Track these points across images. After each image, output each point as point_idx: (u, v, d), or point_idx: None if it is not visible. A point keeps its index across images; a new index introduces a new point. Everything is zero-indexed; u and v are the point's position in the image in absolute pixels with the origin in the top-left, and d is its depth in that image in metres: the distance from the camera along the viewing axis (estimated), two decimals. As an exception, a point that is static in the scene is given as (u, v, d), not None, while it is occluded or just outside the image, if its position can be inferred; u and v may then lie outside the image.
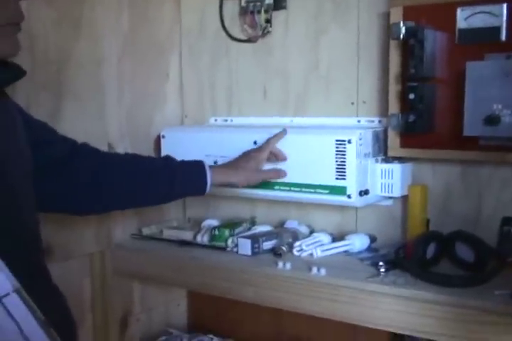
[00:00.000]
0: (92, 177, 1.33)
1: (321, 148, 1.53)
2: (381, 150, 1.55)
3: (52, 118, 1.53)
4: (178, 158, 1.48)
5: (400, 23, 1.40)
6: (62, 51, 1.62)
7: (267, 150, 1.55)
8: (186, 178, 1.43)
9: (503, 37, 1.31)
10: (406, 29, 1.39)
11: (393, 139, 1.49)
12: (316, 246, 1.58)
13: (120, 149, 1.77)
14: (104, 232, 1.78)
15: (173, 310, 2.05)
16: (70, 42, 1.64)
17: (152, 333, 1.95)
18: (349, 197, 1.50)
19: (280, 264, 1.49)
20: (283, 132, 1.57)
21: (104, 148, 1.65)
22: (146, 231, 1.86)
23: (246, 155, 1.55)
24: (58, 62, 1.62)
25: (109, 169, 1.36)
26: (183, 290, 2.07)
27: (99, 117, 1.73)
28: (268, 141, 1.57)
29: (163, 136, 1.81)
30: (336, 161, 1.50)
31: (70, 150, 1.33)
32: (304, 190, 1.57)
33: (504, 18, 1.31)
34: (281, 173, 1.57)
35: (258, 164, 1.54)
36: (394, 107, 1.47)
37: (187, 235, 1.78)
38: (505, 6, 1.30)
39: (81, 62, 1.67)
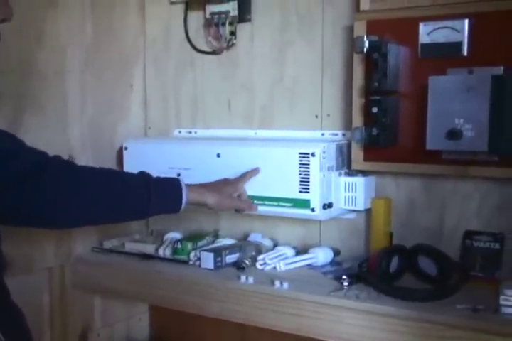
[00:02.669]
0: (62, 191, 1.27)
1: (284, 160, 1.52)
2: (345, 163, 1.55)
3: (11, 129, 1.48)
4: (141, 170, 1.45)
5: (363, 37, 1.41)
6: (23, 61, 1.60)
7: (245, 180, 1.55)
8: (162, 196, 1.38)
9: (465, 52, 1.32)
10: (369, 43, 1.40)
11: (357, 152, 1.49)
12: (280, 260, 1.57)
13: (82, 161, 1.74)
14: (64, 245, 1.74)
15: (135, 325, 2.01)
16: (32, 52, 1.62)
17: (113, 348, 1.92)
18: (313, 210, 1.50)
19: (243, 278, 1.48)
20: (257, 169, 1.56)
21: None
22: (107, 244, 1.83)
23: (224, 180, 1.55)
24: (19, 72, 1.59)
25: (81, 183, 1.30)
26: (144, 305, 2.04)
27: (60, 128, 1.71)
28: (247, 173, 1.56)
29: (126, 148, 1.79)
30: (300, 174, 1.50)
31: (38, 163, 1.27)
32: (267, 203, 1.56)
33: (466, 33, 1.32)
34: (253, 207, 1.57)
35: (234, 191, 1.54)
36: (357, 121, 1.47)
37: (149, 248, 1.75)
38: (466, 21, 1.32)
39: (43, 72, 1.65)
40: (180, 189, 1.41)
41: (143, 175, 1.41)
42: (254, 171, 1.57)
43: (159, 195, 1.37)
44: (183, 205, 1.41)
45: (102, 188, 1.32)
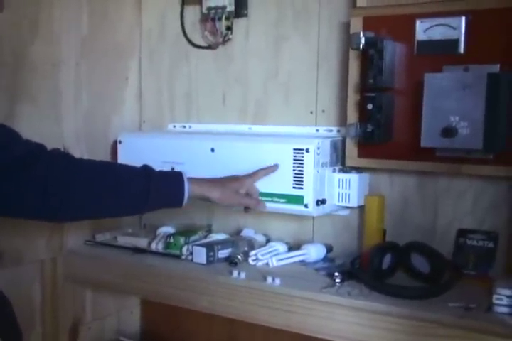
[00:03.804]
0: (53, 183, 1.24)
1: (278, 156, 1.52)
2: (339, 159, 1.55)
3: (4, 121, 1.48)
4: (135, 164, 1.42)
5: (359, 33, 1.40)
6: (17, 52, 1.59)
7: (254, 178, 1.52)
8: (163, 189, 1.36)
9: (461, 49, 1.32)
10: (366, 39, 1.39)
11: (351, 149, 1.48)
12: (272, 256, 1.56)
13: (75, 153, 1.72)
14: (56, 238, 1.74)
15: (126, 318, 2.01)
16: (26, 43, 1.61)
17: (103, 342, 1.92)
18: (306, 206, 1.49)
19: (235, 273, 1.47)
20: (275, 166, 1.53)
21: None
22: (100, 237, 1.82)
23: (232, 176, 1.52)
24: (13, 63, 1.58)
25: (75, 175, 1.28)
26: (136, 298, 2.04)
27: (54, 120, 1.70)
28: (259, 170, 1.53)
29: (120, 142, 1.78)
30: (294, 170, 1.50)
31: (29, 155, 1.24)
32: (261, 198, 1.55)
33: (462, 30, 1.31)
34: (261, 204, 1.54)
35: (241, 187, 1.51)
36: (352, 117, 1.47)
37: (141, 242, 1.75)
38: (463, 18, 1.31)
39: (37, 64, 1.64)
40: (183, 183, 1.39)
41: (145, 170, 1.39)
42: (269, 169, 1.53)
43: (160, 190, 1.36)
44: (186, 200, 1.39)
45: (96, 181, 1.30)
